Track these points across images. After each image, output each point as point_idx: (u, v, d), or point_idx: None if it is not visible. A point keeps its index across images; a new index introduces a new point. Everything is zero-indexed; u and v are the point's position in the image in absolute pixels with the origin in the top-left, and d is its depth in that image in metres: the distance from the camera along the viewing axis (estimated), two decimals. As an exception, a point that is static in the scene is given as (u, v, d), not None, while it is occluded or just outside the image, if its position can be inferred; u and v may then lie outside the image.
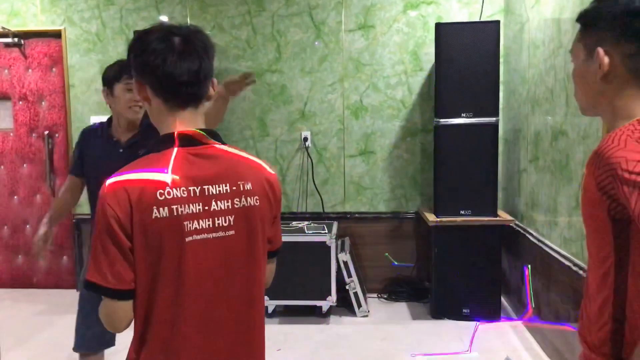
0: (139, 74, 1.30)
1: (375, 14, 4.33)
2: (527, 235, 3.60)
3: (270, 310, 3.94)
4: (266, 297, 3.27)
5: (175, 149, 1.28)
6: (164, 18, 4.44)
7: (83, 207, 4.47)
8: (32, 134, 4.68)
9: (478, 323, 3.67)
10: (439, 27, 3.81)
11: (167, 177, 1.23)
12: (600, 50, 1.16)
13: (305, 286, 3.86)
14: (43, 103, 4.65)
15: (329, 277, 3.85)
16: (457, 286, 3.86)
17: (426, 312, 4.05)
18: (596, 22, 1.19)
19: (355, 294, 3.98)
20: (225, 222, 1.28)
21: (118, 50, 4.49)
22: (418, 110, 4.37)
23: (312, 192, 4.46)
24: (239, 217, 1.30)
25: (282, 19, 4.38)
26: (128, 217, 1.20)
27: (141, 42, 1.28)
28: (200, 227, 1.25)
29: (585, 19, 1.23)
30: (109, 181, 1.24)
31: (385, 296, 4.36)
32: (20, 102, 4.66)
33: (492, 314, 3.84)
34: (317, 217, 4.39)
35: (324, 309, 3.93)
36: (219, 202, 1.28)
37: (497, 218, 3.82)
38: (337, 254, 3.90)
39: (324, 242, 3.83)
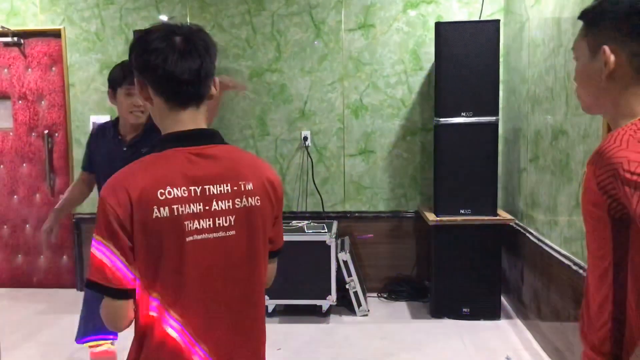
0: (141, 73, 1.30)
1: (375, 14, 4.33)
2: (527, 234, 3.61)
3: (270, 309, 3.94)
4: (266, 297, 3.27)
5: (177, 149, 1.27)
6: (164, 17, 4.44)
7: (83, 206, 4.47)
8: (31, 133, 4.67)
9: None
10: (439, 26, 3.81)
11: (167, 176, 1.23)
12: (607, 49, 1.15)
13: (305, 285, 3.86)
14: (43, 102, 4.65)
15: (329, 277, 3.85)
16: (456, 285, 3.86)
17: (426, 311, 4.05)
18: (601, 20, 1.18)
19: (355, 293, 3.98)
20: (225, 222, 1.28)
21: (118, 50, 4.49)
22: (418, 110, 4.37)
23: (312, 191, 4.46)
24: (240, 217, 1.30)
25: (282, 18, 4.38)
26: (128, 217, 1.20)
27: (142, 42, 1.28)
28: (201, 227, 1.25)
29: (589, 16, 1.22)
30: (109, 180, 1.24)
31: (385, 295, 4.36)
32: (20, 102, 4.66)
33: (491, 313, 3.84)
34: (317, 217, 4.39)
35: (324, 308, 3.94)
36: (219, 202, 1.27)
37: (497, 217, 3.82)
38: (337, 253, 3.91)
39: (324, 242, 3.84)
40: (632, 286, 1.12)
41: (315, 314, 3.95)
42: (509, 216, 3.86)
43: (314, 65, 4.39)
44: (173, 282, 1.23)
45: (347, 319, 3.97)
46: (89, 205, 2.82)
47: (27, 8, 4.54)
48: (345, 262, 3.95)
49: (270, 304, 3.92)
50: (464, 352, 3.38)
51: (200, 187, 1.26)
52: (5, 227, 4.75)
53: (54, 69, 4.61)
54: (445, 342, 3.54)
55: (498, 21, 3.79)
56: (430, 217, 3.88)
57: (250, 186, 1.32)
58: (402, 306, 4.19)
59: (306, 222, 4.21)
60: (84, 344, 2.72)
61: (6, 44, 4.59)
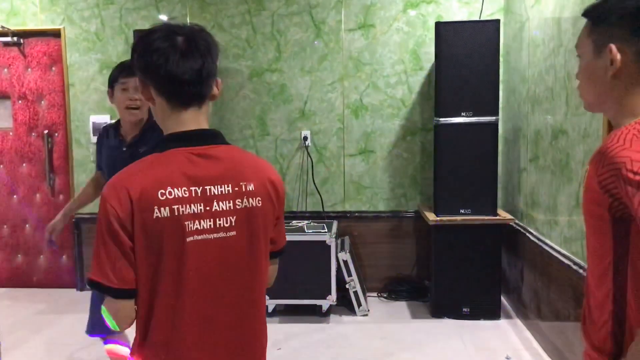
0: (143, 73, 1.30)
1: (375, 13, 4.33)
2: (527, 234, 3.61)
3: (270, 309, 3.94)
4: (266, 297, 3.27)
5: (178, 149, 1.27)
6: (164, 17, 4.44)
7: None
8: (31, 133, 4.67)
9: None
10: (439, 26, 3.80)
11: (168, 177, 1.23)
12: (613, 47, 1.15)
13: (306, 285, 3.87)
14: (42, 102, 4.64)
15: (329, 276, 3.85)
16: (456, 285, 3.86)
17: (426, 311, 4.06)
18: (606, 18, 1.17)
19: (355, 293, 3.98)
20: (226, 222, 1.28)
21: (118, 50, 4.49)
22: (418, 110, 4.37)
23: (312, 191, 4.46)
24: (241, 217, 1.30)
25: (282, 18, 4.38)
26: (129, 217, 1.20)
27: (144, 42, 1.28)
28: (202, 227, 1.25)
29: (594, 14, 1.21)
30: (111, 181, 1.24)
31: (385, 295, 4.36)
32: (20, 101, 4.65)
33: (491, 313, 3.84)
34: (317, 216, 4.39)
35: (324, 308, 3.94)
36: (220, 203, 1.27)
37: (497, 217, 3.82)
38: (337, 253, 3.91)
39: (324, 241, 3.84)
40: (631, 285, 1.12)
41: (315, 313, 3.95)
42: (509, 216, 3.86)
43: (314, 65, 4.39)
44: (174, 281, 1.23)
45: (347, 318, 3.97)
46: (89, 205, 2.83)
47: (27, 8, 4.54)
48: (345, 262, 3.95)
49: (271, 303, 3.92)
50: (464, 352, 3.38)
51: (201, 188, 1.25)
52: (5, 226, 4.75)
53: (53, 68, 4.61)
54: (445, 341, 3.54)
55: (498, 21, 3.79)
56: (430, 216, 3.88)
57: (251, 187, 1.32)
58: (402, 306, 4.19)
59: (306, 222, 4.21)
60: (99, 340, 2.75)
61: (6, 44, 4.59)
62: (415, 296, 4.28)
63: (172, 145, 1.28)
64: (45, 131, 4.63)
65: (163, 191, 1.21)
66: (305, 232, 3.94)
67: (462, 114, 3.78)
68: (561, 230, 3.07)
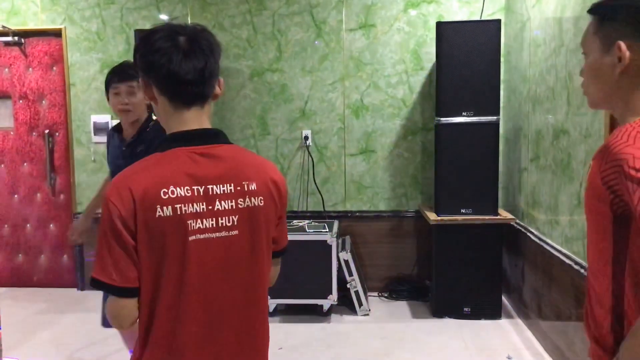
0: (145, 73, 1.30)
1: (376, 13, 4.33)
2: (528, 234, 3.61)
3: (271, 309, 3.94)
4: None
5: (180, 148, 1.27)
6: (165, 17, 4.44)
7: (83, 205, 4.48)
8: (32, 132, 4.67)
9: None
10: (440, 26, 3.81)
11: (171, 176, 1.23)
12: (622, 45, 1.14)
13: (307, 285, 3.87)
14: (43, 102, 4.65)
15: (330, 276, 3.85)
16: (457, 285, 3.86)
17: (427, 310, 4.06)
18: (614, 15, 1.17)
19: (356, 292, 3.98)
20: (228, 222, 1.28)
21: (118, 49, 4.49)
22: (419, 109, 4.37)
23: (312, 191, 4.46)
24: (243, 217, 1.30)
25: (282, 18, 4.38)
26: (132, 216, 1.20)
27: (147, 42, 1.28)
28: (204, 226, 1.25)
29: (601, 11, 1.20)
30: (114, 180, 1.25)
31: (386, 295, 4.36)
32: (21, 101, 4.66)
33: (493, 312, 3.84)
34: (318, 216, 4.39)
35: (325, 307, 3.94)
36: (222, 202, 1.27)
37: (498, 217, 3.82)
38: (338, 253, 3.91)
39: (325, 241, 3.84)
40: (630, 281, 1.13)
41: (316, 313, 3.95)
42: (509, 215, 3.86)
43: (315, 65, 4.39)
44: (176, 280, 1.24)
45: (348, 318, 3.97)
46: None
47: (27, 7, 4.54)
48: (346, 262, 3.95)
49: (272, 303, 3.92)
50: (465, 352, 3.38)
51: (203, 187, 1.25)
52: (5, 226, 4.75)
53: (54, 68, 4.61)
54: (446, 341, 3.54)
55: (499, 21, 3.79)
56: (431, 216, 3.88)
57: (253, 186, 1.32)
58: (403, 305, 4.19)
59: (307, 221, 4.22)
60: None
61: (7, 44, 4.59)
62: (416, 296, 4.28)
63: (175, 144, 1.28)
64: (46, 131, 4.63)
65: (165, 190, 1.21)
66: (306, 231, 3.95)
67: (463, 113, 3.78)
68: (562, 230, 3.07)
